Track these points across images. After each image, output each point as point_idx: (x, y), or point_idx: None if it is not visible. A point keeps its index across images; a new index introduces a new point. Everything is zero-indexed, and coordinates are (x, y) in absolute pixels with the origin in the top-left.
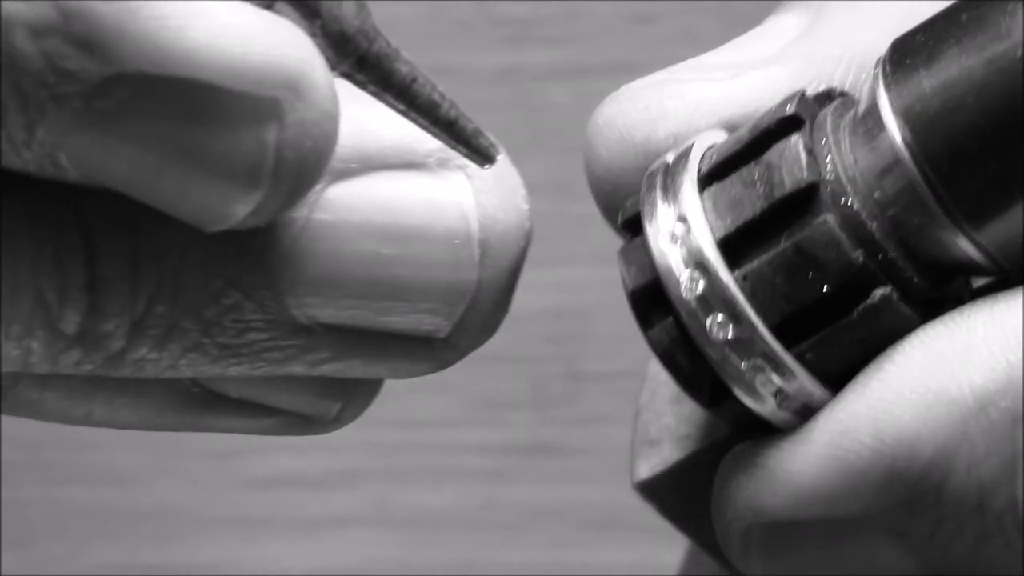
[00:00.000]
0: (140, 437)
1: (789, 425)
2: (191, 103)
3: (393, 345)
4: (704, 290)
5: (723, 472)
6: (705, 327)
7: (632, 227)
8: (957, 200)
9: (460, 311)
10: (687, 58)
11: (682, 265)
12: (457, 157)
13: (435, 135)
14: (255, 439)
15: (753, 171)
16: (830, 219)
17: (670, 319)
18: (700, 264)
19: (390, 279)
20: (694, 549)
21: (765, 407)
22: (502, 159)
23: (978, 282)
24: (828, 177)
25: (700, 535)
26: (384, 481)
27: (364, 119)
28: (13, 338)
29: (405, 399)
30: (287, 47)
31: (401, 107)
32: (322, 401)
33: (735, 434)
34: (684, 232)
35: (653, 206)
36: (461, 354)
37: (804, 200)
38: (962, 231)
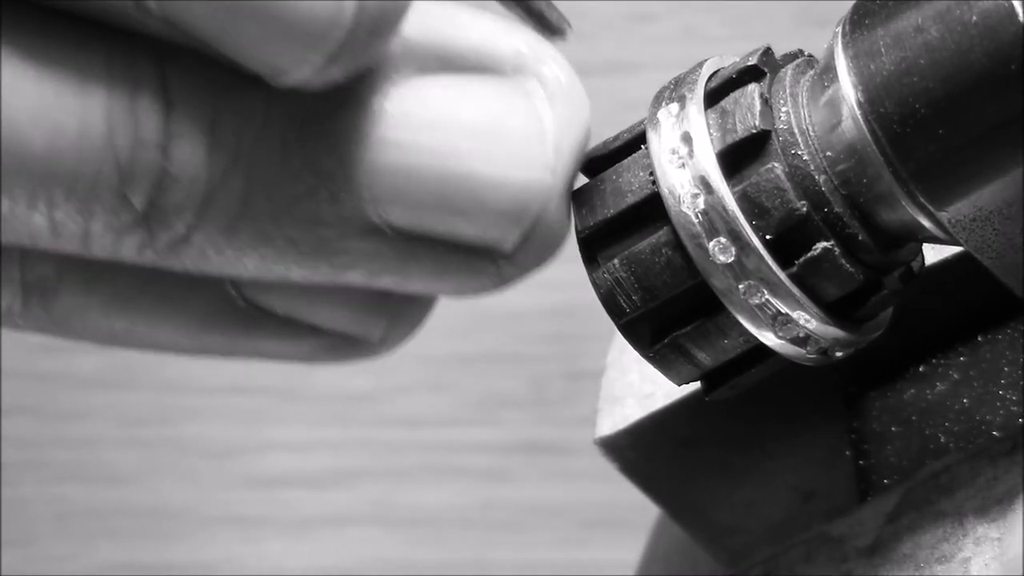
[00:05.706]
0: (140, 437)
1: (785, 350)
2: None
3: (457, 257)
4: (706, 206)
5: None
6: (707, 247)
7: (590, 171)
8: (905, 162)
9: (530, 217)
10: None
11: (687, 182)
12: (532, 64)
13: (507, 6)
14: (255, 437)
15: (709, 118)
16: (777, 168)
17: (615, 261)
18: (704, 181)
19: (465, 172)
20: (652, 546)
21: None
22: (569, 71)
23: (943, 254)
24: (781, 127)
25: (660, 494)
26: (384, 481)
27: (443, 20)
28: (77, 196)
29: (405, 399)
30: None
31: None
32: (367, 318)
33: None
34: (687, 152)
35: (657, 127)
36: (522, 272)
37: (756, 148)
38: (909, 194)
